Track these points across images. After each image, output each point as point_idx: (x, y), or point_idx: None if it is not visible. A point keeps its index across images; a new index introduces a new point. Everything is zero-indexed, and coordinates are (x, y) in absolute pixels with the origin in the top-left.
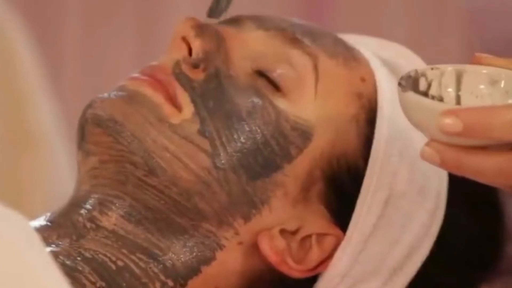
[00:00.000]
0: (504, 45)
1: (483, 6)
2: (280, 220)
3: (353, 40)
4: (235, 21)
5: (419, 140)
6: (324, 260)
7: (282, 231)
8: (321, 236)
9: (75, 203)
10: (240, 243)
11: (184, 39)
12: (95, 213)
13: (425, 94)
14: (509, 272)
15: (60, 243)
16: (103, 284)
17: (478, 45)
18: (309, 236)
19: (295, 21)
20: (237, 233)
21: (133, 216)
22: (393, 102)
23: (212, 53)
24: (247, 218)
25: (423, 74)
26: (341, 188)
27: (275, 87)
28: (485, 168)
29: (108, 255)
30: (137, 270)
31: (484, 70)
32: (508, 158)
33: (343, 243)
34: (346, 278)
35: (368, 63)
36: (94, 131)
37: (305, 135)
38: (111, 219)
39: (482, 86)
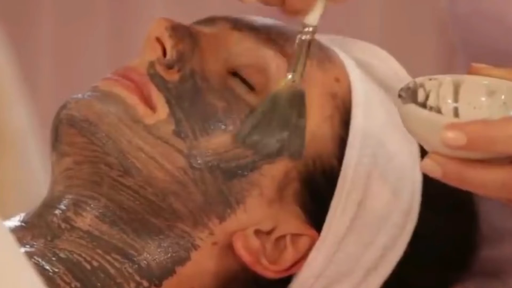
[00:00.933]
0: (489, 50)
1: (467, 10)
2: (255, 220)
3: (328, 40)
4: (209, 21)
5: (393, 141)
6: (299, 260)
7: (257, 231)
8: (295, 236)
9: (50, 204)
10: (214, 243)
11: (158, 40)
12: (70, 214)
13: (423, 105)
14: (482, 273)
15: (34, 243)
16: (78, 284)
17: (461, 49)
18: (284, 236)
19: (269, 22)
20: (212, 233)
21: (108, 216)
22: (368, 103)
23: (186, 54)
24: (222, 218)
25: (422, 85)
26: (316, 189)
27: (249, 87)
28: (487, 182)
29: (83, 255)
30: (112, 270)
31: (482, 80)
32: (511, 172)
33: (317, 244)
34: (321, 278)
35: (343, 63)
36: (68, 131)
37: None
38: (86, 220)
39: (480, 97)
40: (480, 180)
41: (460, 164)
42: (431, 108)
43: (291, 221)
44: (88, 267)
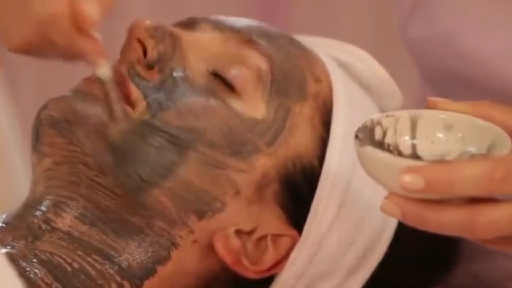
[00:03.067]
0: (446, 75)
1: (419, 36)
2: (234, 220)
3: (309, 41)
4: (191, 22)
5: None
6: (280, 261)
7: (238, 232)
8: (276, 237)
9: (30, 205)
10: (195, 241)
11: (139, 40)
12: (50, 215)
13: (381, 143)
14: (464, 273)
15: (15, 244)
16: (59, 286)
17: (419, 73)
18: (265, 236)
19: (251, 23)
20: (191, 231)
21: (87, 217)
22: (349, 104)
23: (167, 54)
24: (200, 216)
25: (379, 123)
26: (296, 189)
27: (230, 88)
28: (446, 223)
29: (64, 256)
30: (92, 272)
31: (439, 115)
32: (469, 213)
33: (298, 244)
34: (302, 279)
35: (324, 64)
36: (48, 132)
37: (260, 135)
38: (66, 221)
39: (437, 132)
40: (439, 221)
41: (419, 205)
42: (389, 146)
43: (272, 222)
44: (69, 269)
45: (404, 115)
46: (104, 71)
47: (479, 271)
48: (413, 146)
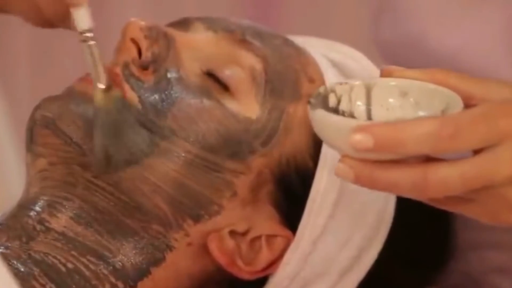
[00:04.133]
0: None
1: (390, 37)
2: (229, 221)
3: (303, 41)
4: (185, 22)
5: None
6: (274, 261)
7: (232, 232)
8: (271, 237)
9: (25, 205)
10: (189, 244)
11: (133, 40)
12: (45, 215)
13: (336, 110)
14: (457, 272)
15: (9, 245)
16: (53, 286)
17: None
18: (259, 237)
19: (245, 23)
20: (187, 235)
21: (82, 218)
22: None
23: (161, 55)
24: (196, 219)
25: (332, 90)
26: (290, 190)
27: (224, 88)
28: (398, 182)
29: (58, 257)
30: (87, 272)
31: (394, 82)
32: (420, 172)
33: (292, 245)
34: (296, 279)
35: (318, 64)
36: (43, 132)
37: (255, 136)
38: (61, 221)
39: (392, 99)
40: (391, 180)
41: (371, 166)
42: (343, 113)
43: (266, 222)
44: (63, 269)
45: (358, 83)
46: (82, 23)
47: (470, 269)
48: (368, 113)
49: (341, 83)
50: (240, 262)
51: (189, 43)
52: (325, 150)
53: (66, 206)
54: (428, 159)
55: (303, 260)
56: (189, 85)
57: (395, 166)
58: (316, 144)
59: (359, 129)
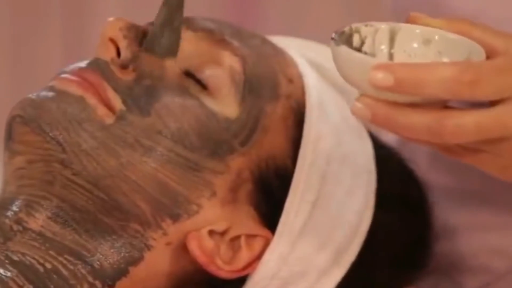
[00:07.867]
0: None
1: (406, 4)
2: (208, 220)
3: (281, 41)
4: None
5: (347, 141)
6: (253, 261)
7: (211, 232)
8: (250, 237)
9: (1, 205)
10: (168, 243)
11: (112, 40)
12: (22, 215)
13: (359, 50)
14: (434, 270)
15: None
16: (30, 287)
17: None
18: (238, 237)
19: (224, 23)
20: (165, 234)
21: (60, 217)
22: (322, 104)
23: (141, 54)
24: (175, 219)
25: (357, 31)
26: (269, 190)
27: (204, 87)
28: (414, 125)
29: (36, 257)
30: (65, 272)
31: (418, 29)
32: (437, 116)
33: (271, 245)
34: (275, 279)
35: (296, 64)
36: (22, 130)
37: (234, 135)
38: (38, 221)
39: (415, 45)
40: (407, 123)
41: (389, 106)
42: (366, 54)
43: (245, 222)
44: (41, 269)
45: (384, 27)
46: None
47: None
48: (391, 57)
49: (366, 25)
50: (219, 262)
51: None
52: (303, 150)
53: (44, 206)
54: (445, 108)
55: (282, 261)
56: (169, 84)
57: (412, 110)
58: (295, 145)
59: (381, 66)
